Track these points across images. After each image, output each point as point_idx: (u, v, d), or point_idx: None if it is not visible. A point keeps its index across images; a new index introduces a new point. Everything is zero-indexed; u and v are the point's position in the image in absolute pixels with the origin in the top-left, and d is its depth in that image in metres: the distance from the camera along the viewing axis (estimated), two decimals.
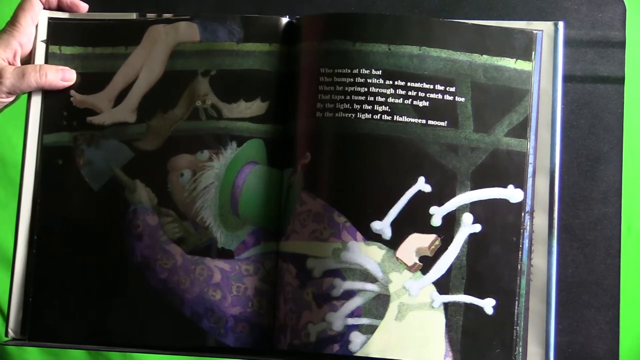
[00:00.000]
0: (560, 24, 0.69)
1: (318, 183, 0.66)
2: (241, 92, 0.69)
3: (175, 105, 0.70)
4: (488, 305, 0.66)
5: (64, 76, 0.72)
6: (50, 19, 0.73)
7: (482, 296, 0.66)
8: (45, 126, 0.72)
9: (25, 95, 0.72)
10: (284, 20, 0.70)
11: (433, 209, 0.66)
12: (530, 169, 0.67)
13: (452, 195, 0.66)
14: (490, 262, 0.66)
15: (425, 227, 0.66)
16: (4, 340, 0.71)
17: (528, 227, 0.67)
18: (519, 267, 0.66)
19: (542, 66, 0.68)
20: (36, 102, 0.72)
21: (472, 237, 0.66)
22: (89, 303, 0.70)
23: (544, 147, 0.68)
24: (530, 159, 0.67)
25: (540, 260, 0.67)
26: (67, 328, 0.70)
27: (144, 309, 0.69)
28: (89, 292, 0.70)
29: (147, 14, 0.72)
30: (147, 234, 0.70)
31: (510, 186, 0.66)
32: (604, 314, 0.68)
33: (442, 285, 0.65)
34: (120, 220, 0.70)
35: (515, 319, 0.66)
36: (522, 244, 0.66)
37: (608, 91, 0.70)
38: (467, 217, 0.66)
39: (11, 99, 0.72)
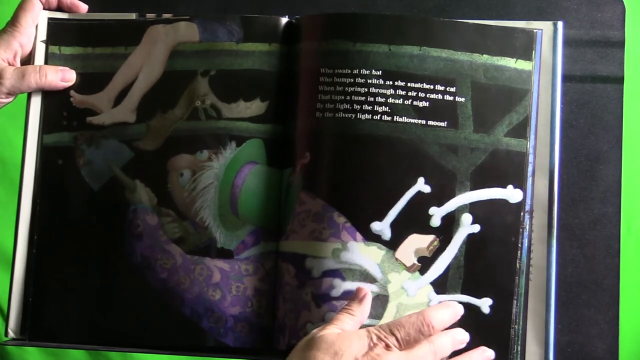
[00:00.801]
0: (560, 24, 0.68)
1: (317, 183, 0.66)
2: (241, 92, 0.69)
3: (175, 105, 0.70)
4: (485, 304, 0.66)
5: (63, 76, 0.72)
6: (50, 19, 0.73)
7: (479, 296, 0.66)
8: (45, 126, 0.72)
9: (25, 96, 0.72)
10: (284, 20, 0.70)
11: (432, 210, 0.66)
12: (529, 169, 0.67)
13: (452, 195, 0.66)
14: (488, 262, 0.66)
15: (424, 227, 0.66)
16: (4, 340, 0.71)
17: (527, 227, 0.67)
18: (517, 267, 0.66)
19: (542, 66, 0.68)
20: (36, 102, 0.72)
21: (471, 237, 0.66)
22: (89, 303, 0.70)
23: (543, 147, 0.67)
24: (530, 158, 0.67)
25: (540, 260, 0.67)
26: (67, 328, 0.70)
27: (144, 309, 0.69)
28: (89, 292, 0.70)
29: (147, 14, 0.73)
30: (147, 234, 0.70)
31: (510, 186, 0.66)
32: (603, 314, 0.67)
33: (440, 285, 0.65)
34: (120, 220, 0.70)
35: (514, 318, 0.66)
36: (522, 243, 0.66)
37: (607, 91, 0.69)
38: (466, 218, 0.66)
39: (10, 99, 0.73)
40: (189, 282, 0.69)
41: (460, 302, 0.65)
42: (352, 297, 0.64)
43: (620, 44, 0.70)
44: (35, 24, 0.73)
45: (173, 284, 0.69)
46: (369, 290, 0.64)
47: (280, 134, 0.69)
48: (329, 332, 0.60)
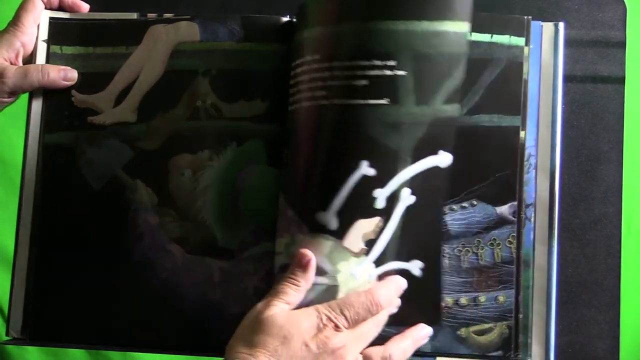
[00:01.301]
0: (561, 25, 0.68)
1: (282, 179, 0.67)
2: (241, 92, 0.70)
3: (176, 105, 0.71)
4: (415, 267, 0.64)
5: (65, 75, 0.72)
6: (51, 18, 0.73)
7: (409, 259, 0.64)
8: (47, 126, 0.72)
9: (26, 96, 0.73)
10: (284, 19, 0.70)
11: (376, 192, 0.63)
12: (532, 162, 0.66)
13: (394, 174, 0.63)
14: (419, 227, 0.64)
15: (369, 211, 0.63)
16: (5, 340, 0.71)
17: (532, 222, 0.66)
18: (442, 229, 0.65)
19: (543, 66, 0.68)
20: (37, 102, 0.72)
21: (407, 208, 0.64)
22: (90, 303, 0.70)
23: (544, 146, 0.67)
24: (533, 151, 0.67)
25: (541, 260, 0.67)
26: (68, 328, 0.70)
27: (145, 309, 0.69)
28: (89, 292, 0.70)
29: (148, 14, 0.73)
30: (148, 234, 0.70)
31: (440, 151, 0.64)
32: (604, 314, 0.67)
33: (379, 260, 0.64)
34: (121, 219, 0.70)
35: (515, 308, 0.65)
36: (523, 234, 0.66)
37: (608, 91, 0.70)
38: (405, 192, 0.64)
39: (13, 99, 0.73)
40: (189, 282, 0.69)
41: (395, 270, 0.64)
42: (294, 263, 0.62)
43: (621, 44, 0.70)
44: (37, 24, 0.73)
45: (174, 283, 0.69)
46: (311, 254, 0.62)
47: (280, 133, 0.69)
48: (277, 311, 0.59)
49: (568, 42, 0.69)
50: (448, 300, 0.66)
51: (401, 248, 0.64)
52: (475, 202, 0.67)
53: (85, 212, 0.71)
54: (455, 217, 0.67)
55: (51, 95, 0.72)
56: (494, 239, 0.67)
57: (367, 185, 0.63)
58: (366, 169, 0.63)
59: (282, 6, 0.72)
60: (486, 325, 0.66)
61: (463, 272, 0.66)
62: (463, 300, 0.66)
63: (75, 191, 0.71)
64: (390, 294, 0.63)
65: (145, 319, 0.69)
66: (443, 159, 0.64)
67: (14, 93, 0.72)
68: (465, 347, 0.66)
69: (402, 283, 0.64)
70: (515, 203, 0.66)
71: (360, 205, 0.63)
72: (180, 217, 0.70)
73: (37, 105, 0.72)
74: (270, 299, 0.61)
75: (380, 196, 0.63)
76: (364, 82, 0.63)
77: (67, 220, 0.71)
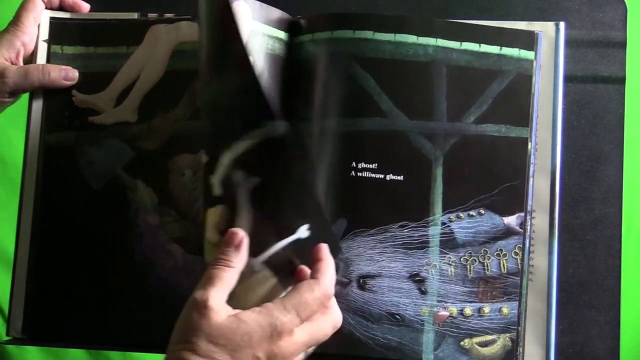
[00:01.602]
0: (562, 25, 0.68)
1: None
2: None
3: (177, 104, 0.71)
4: (302, 231, 0.60)
5: (66, 75, 0.72)
6: (52, 18, 0.73)
7: (295, 229, 0.60)
8: (47, 126, 0.72)
9: (26, 96, 0.73)
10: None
11: (211, 178, 0.59)
12: (531, 170, 0.67)
13: (220, 157, 0.59)
14: (288, 200, 0.60)
15: (210, 199, 0.60)
16: (5, 340, 0.71)
17: (529, 227, 0.66)
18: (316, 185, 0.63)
19: (543, 66, 0.68)
20: (38, 102, 0.72)
21: (254, 190, 0.59)
22: (90, 303, 0.70)
23: (544, 147, 0.67)
24: (532, 159, 0.67)
25: (541, 261, 0.67)
26: (68, 328, 0.70)
27: (145, 309, 0.69)
28: (89, 292, 0.70)
29: (149, 14, 0.73)
30: (148, 234, 0.70)
31: (270, 122, 0.58)
32: (604, 314, 0.67)
33: (254, 251, 0.59)
34: (122, 219, 0.70)
35: (517, 320, 0.66)
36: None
37: (609, 91, 0.70)
38: (237, 175, 0.59)
39: (13, 99, 0.73)
40: (189, 282, 0.69)
41: (281, 248, 0.60)
42: (225, 243, 0.58)
43: (622, 45, 0.70)
44: (37, 24, 0.73)
45: (174, 283, 0.69)
46: (243, 232, 0.58)
47: None
48: (223, 314, 0.55)
49: (568, 42, 0.69)
50: (452, 309, 0.66)
51: (279, 225, 0.60)
52: (483, 212, 0.67)
53: (86, 212, 0.71)
54: (462, 225, 0.67)
55: (52, 95, 0.72)
56: (501, 249, 0.67)
57: (205, 172, 0.60)
58: (203, 156, 0.62)
59: (282, 6, 0.72)
60: (489, 337, 0.66)
61: (468, 282, 0.66)
62: (467, 311, 0.66)
63: (76, 191, 0.71)
64: (334, 275, 0.60)
65: (145, 319, 0.69)
66: (273, 128, 0.58)
67: (15, 93, 0.72)
68: (468, 358, 0.66)
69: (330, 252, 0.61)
70: (523, 214, 0.66)
71: (203, 193, 0.61)
72: (180, 217, 0.70)
73: (38, 105, 0.72)
74: (207, 288, 0.56)
75: (214, 182, 0.59)
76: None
77: (67, 220, 0.71)
